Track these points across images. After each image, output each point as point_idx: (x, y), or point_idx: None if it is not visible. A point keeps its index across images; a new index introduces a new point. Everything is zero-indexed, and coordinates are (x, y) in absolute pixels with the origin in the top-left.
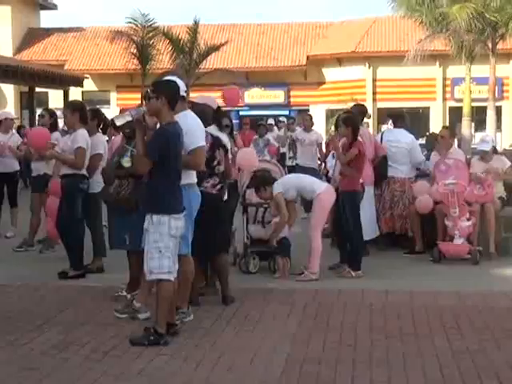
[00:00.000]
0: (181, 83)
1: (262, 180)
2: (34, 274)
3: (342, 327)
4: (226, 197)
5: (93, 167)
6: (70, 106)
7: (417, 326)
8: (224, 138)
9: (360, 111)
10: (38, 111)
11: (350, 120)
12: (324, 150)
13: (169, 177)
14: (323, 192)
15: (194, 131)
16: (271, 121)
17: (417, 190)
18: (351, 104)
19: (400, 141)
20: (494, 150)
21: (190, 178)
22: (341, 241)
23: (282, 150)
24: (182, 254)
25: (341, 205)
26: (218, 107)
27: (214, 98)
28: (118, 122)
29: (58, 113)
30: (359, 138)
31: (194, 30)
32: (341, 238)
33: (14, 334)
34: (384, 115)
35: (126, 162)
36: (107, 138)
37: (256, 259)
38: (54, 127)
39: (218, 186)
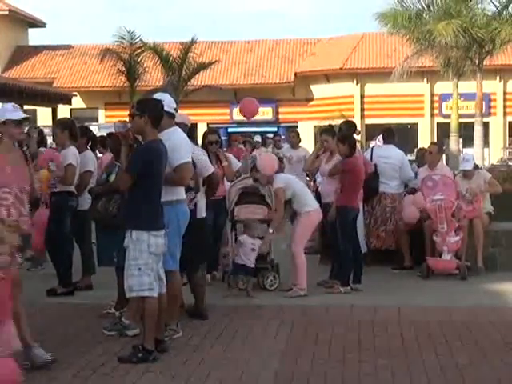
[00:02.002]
0: (170, 100)
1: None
2: (22, 291)
3: (330, 343)
4: (204, 214)
5: (82, 184)
6: (59, 124)
7: (405, 342)
8: (197, 153)
9: (349, 128)
10: (26, 129)
11: (345, 137)
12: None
13: (149, 194)
14: (313, 211)
15: (179, 147)
16: (258, 138)
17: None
18: (339, 120)
19: (390, 157)
20: (475, 167)
21: (177, 194)
22: (333, 256)
23: None
24: (170, 270)
25: (333, 220)
26: (192, 124)
27: (186, 114)
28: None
29: (47, 130)
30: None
31: (187, 47)
32: (332, 253)
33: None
34: (372, 131)
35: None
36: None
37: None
38: (41, 144)
39: (194, 201)
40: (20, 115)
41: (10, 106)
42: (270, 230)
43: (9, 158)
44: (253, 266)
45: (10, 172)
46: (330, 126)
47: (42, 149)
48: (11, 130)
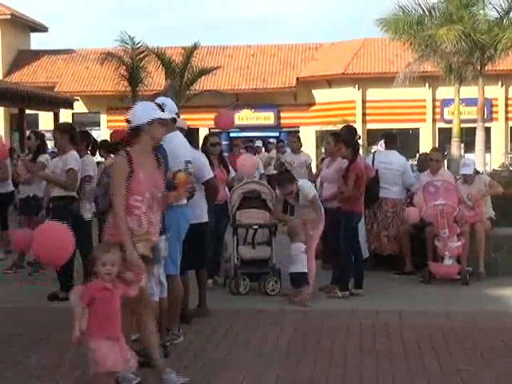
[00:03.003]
0: (172, 104)
1: (286, 177)
2: (24, 296)
3: (331, 348)
4: (206, 218)
5: (83, 189)
6: (59, 129)
7: (406, 347)
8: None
9: (350, 133)
10: (28, 132)
11: (349, 140)
12: (315, 171)
13: None
14: (322, 215)
15: (178, 152)
16: (259, 143)
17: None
18: (340, 126)
19: (392, 162)
20: (476, 172)
21: None
22: (334, 261)
23: (273, 171)
24: (171, 275)
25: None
26: (189, 128)
27: (183, 119)
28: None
29: (48, 135)
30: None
31: (190, 52)
32: (334, 258)
33: (2, 356)
34: (374, 136)
35: None
36: (97, 160)
37: (246, 280)
38: (41, 149)
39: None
40: (168, 114)
41: (152, 104)
42: (311, 232)
43: (142, 162)
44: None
45: (142, 178)
46: (341, 129)
47: (45, 155)
48: (156, 131)
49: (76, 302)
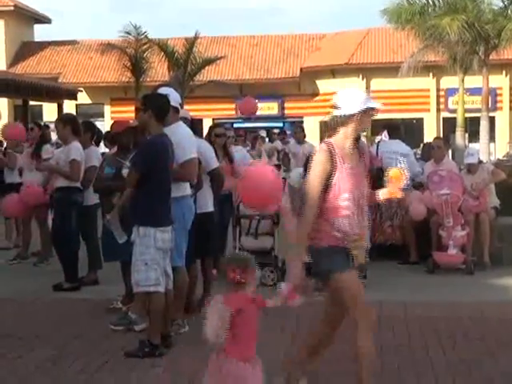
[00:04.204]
0: (175, 94)
1: None
2: (29, 286)
3: (335, 339)
4: (211, 208)
5: (87, 180)
6: (61, 120)
7: (411, 337)
8: (201, 146)
9: None
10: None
11: None
12: None
13: (155, 189)
14: None
15: (184, 143)
16: (263, 133)
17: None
18: None
19: (396, 152)
20: (479, 162)
21: (182, 190)
22: None
23: (276, 162)
24: (176, 266)
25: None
26: (192, 119)
27: (187, 110)
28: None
29: (53, 126)
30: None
31: (191, 42)
32: None
33: (8, 347)
34: (378, 126)
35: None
36: (101, 151)
37: None
38: (43, 140)
39: (193, 197)
40: (376, 103)
41: (361, 91)
42: None
43: (347, 154)
44: None
45: (349, 173)
46: None
47: (47, 146)
48: (366, 121)
49: (223, 308)
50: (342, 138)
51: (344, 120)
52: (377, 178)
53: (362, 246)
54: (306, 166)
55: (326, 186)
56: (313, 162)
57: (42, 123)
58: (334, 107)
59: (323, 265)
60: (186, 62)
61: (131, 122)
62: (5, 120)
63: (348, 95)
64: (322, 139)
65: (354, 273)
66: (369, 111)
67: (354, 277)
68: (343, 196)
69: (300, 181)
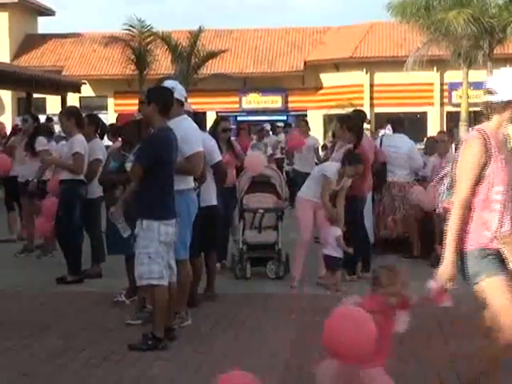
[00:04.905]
0: (181, 88)
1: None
2: (33, 279)
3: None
4: (215, 201)
5: (92, 173)
6: (64, 112)
7: (414, 331)
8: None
9: (359, 117)
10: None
11: (353, 125)
12: (321, 153)
13: (159, 183)
14: None
15: (190, 137)
16: (267, 126)
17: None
18: (349, 109)
19: (400, 146)
20: None
21: (186, 183)
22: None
23: (279, 155)
24: (180, 259)
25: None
26: (197, 112)
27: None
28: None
29: (56, 119)
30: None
31: (196, 36)
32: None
33: (12, 339)
34: (382, 120)
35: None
36: (106, 144)
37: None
38: (37, 132)
39: (196, 192)
40: None
41: None
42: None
43: (500, 143)
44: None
45: (504, 163)
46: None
47: (41, 138)
48: None
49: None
50: (496, 126)
51: (501, 106)
52: (381, 171)
53: None
54: (344, 161)
55: (479, 178)
56: (465, 151)
57: (46, 116)
58: (489, 92)
59: (470, 269)
60: (189, 55)
61: (136, 115)
62: (8, 112)
63: (507, 78)
64: (325, 132)
65: (504, 279)
66: None
67: (503, 283)
68: (497, 188)
69: (336, 176)
